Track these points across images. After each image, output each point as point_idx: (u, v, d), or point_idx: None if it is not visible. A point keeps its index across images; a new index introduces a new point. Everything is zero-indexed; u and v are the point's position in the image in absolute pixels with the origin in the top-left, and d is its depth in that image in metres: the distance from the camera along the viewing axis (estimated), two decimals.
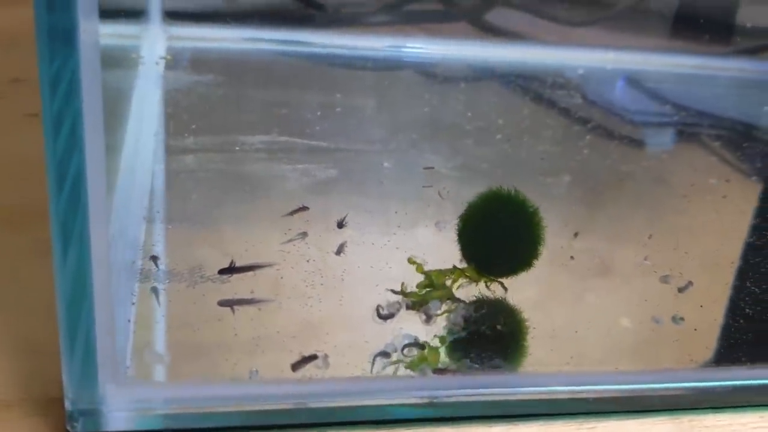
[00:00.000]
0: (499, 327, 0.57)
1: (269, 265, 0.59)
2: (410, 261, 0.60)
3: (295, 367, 0.51)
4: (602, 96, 0.96)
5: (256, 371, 0.51)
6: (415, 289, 0.58)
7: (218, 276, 0.58)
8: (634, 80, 1.00)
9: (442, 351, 0.54)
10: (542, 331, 0.58)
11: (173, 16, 0.95)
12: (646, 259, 0.65)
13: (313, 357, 0.52)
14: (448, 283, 0.59)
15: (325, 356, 0.52)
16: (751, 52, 1.04)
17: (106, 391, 0.47)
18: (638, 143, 0.86)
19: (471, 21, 1.04)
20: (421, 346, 0.54)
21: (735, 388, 0.54)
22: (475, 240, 0.59)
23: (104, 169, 0.41)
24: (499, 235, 0.59)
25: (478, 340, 0.56)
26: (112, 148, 0.67)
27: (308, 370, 0.52)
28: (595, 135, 0.86)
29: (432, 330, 0.56)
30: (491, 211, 0.59)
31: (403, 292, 0.58)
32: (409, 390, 0.51)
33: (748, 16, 1.03)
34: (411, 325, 0.56)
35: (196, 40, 0.94)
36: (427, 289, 0.59)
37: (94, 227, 0.42)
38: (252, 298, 0.56)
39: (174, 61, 0.89)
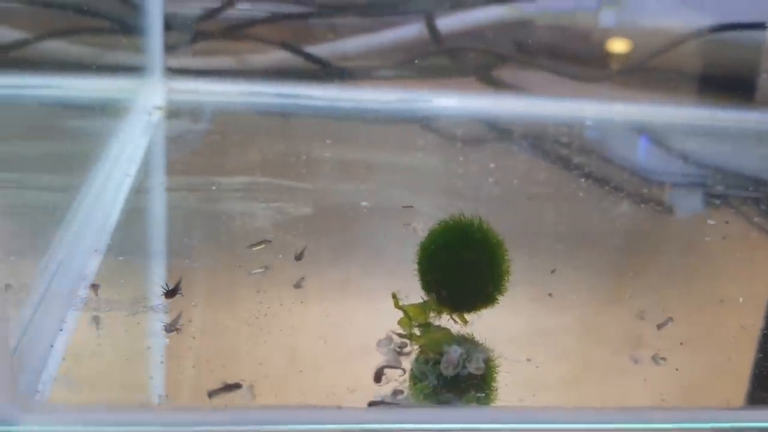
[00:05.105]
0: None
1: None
2: (393, 296, 0.54)
3: (212, 394, 0.47)
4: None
5: (165, 396, 0.47)
6: (399, 328, 0.53)
7: (160, 305, 0.55)
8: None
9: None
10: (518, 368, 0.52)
11: (175, 71, 0.95)
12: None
13: (236, 386, 0.47)
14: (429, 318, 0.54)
15: (251, 387, 0.47)
16: None
17: (8, 415, 0.44)
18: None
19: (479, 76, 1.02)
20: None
21: None
22: (434, 271, 0.54)
23: None
24: (458, 267, 0.53)
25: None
26: (69, 186, 0.65)
27: (232, 400, 0.47)
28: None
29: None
30: (451, 241, 0.54)
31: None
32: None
33: None
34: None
35: (198, 94, 0.94)
36: (418, 327, 0.53)
37: None
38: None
39: (169, 111, 0.89)
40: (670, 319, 0.55)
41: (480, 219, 0.53)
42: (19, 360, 0.47)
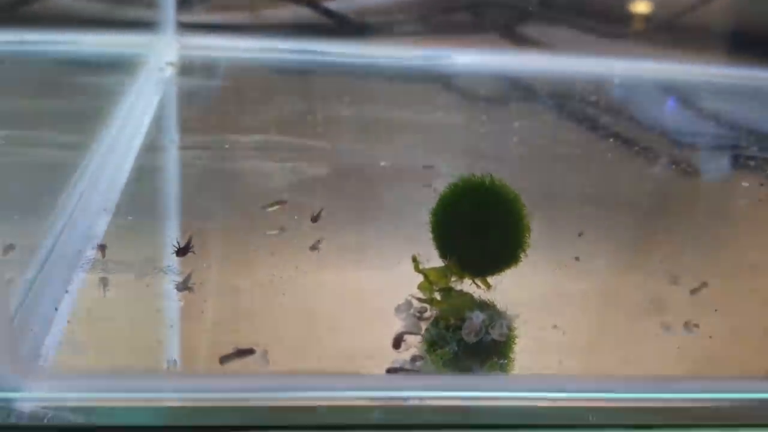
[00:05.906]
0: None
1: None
2: (414, 259, 0.52)
3: (224, 360, 0.45)
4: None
5: (175, 361, 0.45)
6: (419, 293, 0.51)
7: (170, 267, 0.53)
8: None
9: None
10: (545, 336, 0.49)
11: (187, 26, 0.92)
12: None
13: (249, 351, 0.45)
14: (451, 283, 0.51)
15: (265, 353, 0.45)
16: None
17: (9, 381, 0.42)
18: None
19: (502, 33, 0.99)
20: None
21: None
22: (450, 235, 0.52)
23: None
24: (476, 227, 0.51)
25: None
26: (78, 144, 0.63)
27: (245, 366, 0.45)
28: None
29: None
30: (466, 202, 0.51)
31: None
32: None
33: None
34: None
35: (212, 50, 0.91)
36: (438, 292, 0.51)
37: None
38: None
39: (181, 67, 0.86)
40: (705, 284, 0.52)
41: (491, 176, 0.50)
42: (21, 324, 0.45)
